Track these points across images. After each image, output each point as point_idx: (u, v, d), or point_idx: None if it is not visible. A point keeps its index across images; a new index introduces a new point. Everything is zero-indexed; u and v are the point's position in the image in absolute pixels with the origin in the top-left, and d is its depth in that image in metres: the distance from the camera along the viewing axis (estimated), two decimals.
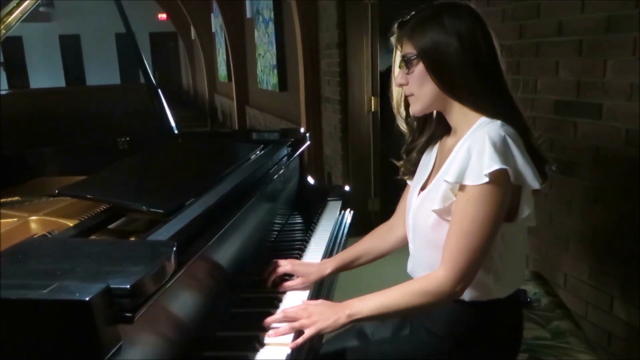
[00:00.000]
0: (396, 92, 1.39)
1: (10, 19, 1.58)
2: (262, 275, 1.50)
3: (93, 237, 1.29)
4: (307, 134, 2.36)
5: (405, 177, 1.47)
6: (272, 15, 6.09)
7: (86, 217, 1.35)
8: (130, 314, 0.82)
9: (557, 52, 2.14)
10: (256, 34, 7.06)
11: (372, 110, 4.18)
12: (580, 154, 2.07)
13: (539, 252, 2.38)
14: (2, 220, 1.44)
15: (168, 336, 1.04)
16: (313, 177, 2.45)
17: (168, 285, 0.95)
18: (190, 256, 1.09)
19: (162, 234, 1.11)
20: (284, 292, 1.46)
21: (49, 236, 1.29)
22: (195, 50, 13.11)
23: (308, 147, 2.37)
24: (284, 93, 6.15)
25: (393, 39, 1.30)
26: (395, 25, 1.28)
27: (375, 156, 4.27)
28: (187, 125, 10.87)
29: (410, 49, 1.23)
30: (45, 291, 0.78)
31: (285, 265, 1.51)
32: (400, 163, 1.46)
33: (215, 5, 9.17)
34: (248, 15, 7.46)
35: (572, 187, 2.13)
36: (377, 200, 4.32)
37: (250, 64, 8.04)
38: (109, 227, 1.39)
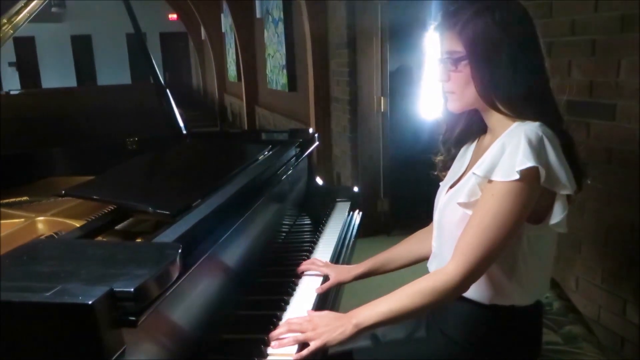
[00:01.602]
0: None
1: (17, 19, 1.58)
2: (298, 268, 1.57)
3: (99, 238, 1.29)
4: (316, 135, 2.35)
5: (442, 174, 1.40)
6: (282, 15, 6.08)
7: (93, 218, 1.34)
8: (134, 318, 0.81)
9: (570, 52, 2.11)
10: (266, 33, 7.06)
11: (382, 110, 4.16)
12: (593, 155, 2.04)
13: None
14: (9, 221, 1.44)
15: (173, 340, 1.02)
16: (322, 177, 2.43)
17: (173, 288, 0.94)
18: (196, 259, 1.08)
19: (168, 235, 1.10)
20: (291, 295, 1.45)
21: (56, 237, 1.28)
22: (205, 51, 13.14)
23: (317, 147, 2.35)
24: (293, 93, 6.14)
25: (435, 29, 1.22)
26: (440, 14, 1.20)
27: (385, 157, 4.25)
28: (197, 125, 10.89)
29: (458, 47, 1.15)
30: (48, 294, 0.77)
31: (321, 266, 1.55)
32: (438, 158, 1.40)
33: (225, 5, 9.18)
34: (258, 15, 7.46)
35: (585, 188, 2.08)
36: (386, 201, 4.30)
37: (259, 64, 8.04)
38: (116, 228, 1.38)
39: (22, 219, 1.44)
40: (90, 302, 0.74)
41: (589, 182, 1.24)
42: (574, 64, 2.10)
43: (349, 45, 4.14)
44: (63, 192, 1.39)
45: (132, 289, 0.80)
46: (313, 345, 1.15)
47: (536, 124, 1.12)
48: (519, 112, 1.15)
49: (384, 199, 4.30)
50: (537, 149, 1.07)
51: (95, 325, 0.75)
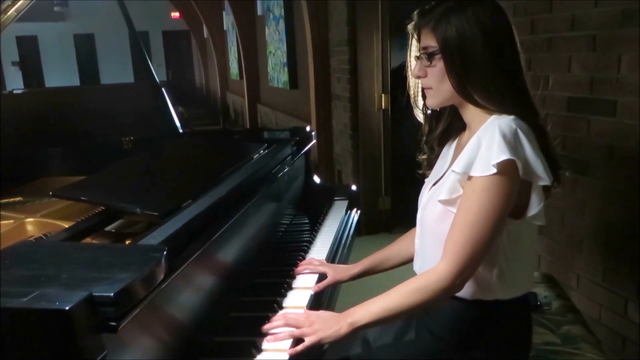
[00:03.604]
0: (413, 82, 1.35)
1: (4, 18, 1.56)
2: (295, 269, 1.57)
3: (89, 239, 1.27)
4: (313, 133, 2.32)
5: (427, 173, 1.42)
6: (283, 13, 6.06)
7: (82, 219, 1.32)
8: (114, 323, 0.79)
9: (570, 48, 2.08)
10: (267, 31, 7.03)
11: (383, 107, 4.13)
12: (593, 152, 2.01)
13: (551, 252, 2.32)
14: None
15: (159, 344, 1.00)
16: (323, 175, 2.41)
17: (157, 292, 0.92)
18: (183, 261, 1.06)
19: (155, 237, 1.08)
20: (285, 296, 1.43)
21: (44, 238, 1.26)
22: (207, 49, 13.13)
23: (317, 145, 2.33)
24: (295, 91, 6.12)
25: (411, 27, 1.26)
26: (416, 13, 1.24)
27: (386, 154, 4.22)
28: (199, 123, 10.88)
29: (432, 42, 1.18)
30: (25, 299, 0.75)
31: (318, 266, 1.56)
32: (423, 157, 1.42)
33: (226, 3, 9.16)
34: (259, 12, 7.43)
35: (586, 186, 2.07)
36: (388, 199, 4.27)
37: (261, 62, 8.01)
38: (107, 229, 1.36)
39: (12, 220, 1.42)
40: (67, 308, 0.72)
41: (567, 174, 1.27)
42: (574, 60, 2.07)
43: (350, 42, 4.12)
44: (50, 193, 1.37)
45: (111, 294, 0.78)
46: (308, 340, 1.16)
47: (510, 117, 1.14)
48: (493, 105, 1.17)
49: (385, 197, 4.28)
50: (512, 142, 1.09)
51: (72, 332, 0.73)
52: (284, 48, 6.16)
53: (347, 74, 4.20)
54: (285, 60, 6.20)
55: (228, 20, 9.82)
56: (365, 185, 4.18)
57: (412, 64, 1.29)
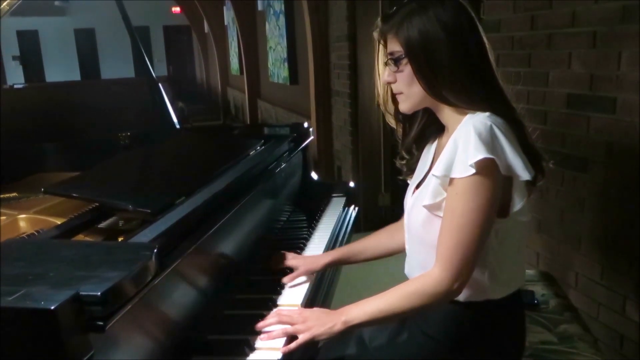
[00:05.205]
0: (382, 89, 1.34)
1: None
2: (269, 264, 1.53)
3: (81, 236, 1.26)
4: (311, 129, 2.31)
5: (408, 178, 1.41)
6: (283, 8, 6.03)
7: (75, 216, 1.31)
8: (101, 323, 0.78)
9: (570, 44, 2.06)
10: (267, 26, 7.01)
11: None
12: (593, 149, 2.00)
13: (549, 250, 2.31)
14: None
15: (149, 343, 0.99)
16: (323, 171, 2.40)
17: (146, 290, 0.91)
18: (175, 259, 1.05)
19: (146, 235, 1.07)
20: (279, 294, 1.42)
21: (35, 235, 1.25)
22: (208, 44, 13.09)
23: (317, 141, 2.32)
24: (295, 86, 6.10)
25: (376, 34, 1.25)
26: (379, 19, 1.24)
27: (386, 150, 4.20)
28: (200, 119, 10.85)
29: (397, 47, 1.19)
30: (10, 298, 0.74)
31: (289, 260, 1.53)
32: (402, 163, 1.41)
33: None
34: (259, 8, 7.41)
35: (585, 183, 2.06)
36: (388, 195, 4.26)
37: (261, 57, 7.99)
38: (99, 226, 1.35)
39: (5, 217, 1.41)
40: (52, 308, 0.71)
41: (551, 165, 1.26)
42: (574, 56, 2.05)
43: (350, 38, 4.10)
44: (43, 189, 1.36)
45: (98, 293, 0.77)
46: (302, 337, 1.16)
47: (485, 114, 1.13)
48: (465, 103, 1.16)
49: (385, 193, 4.26)
50: (488, 140, 1.08)
51: (58, 331, 0.72)
52: (284, 44, 6.14)
53: (347, 69, 4.18)
54: (285, 55, 6.18)
55: (229, 15, 9.79)
56: (365, 182, 4.16)
57: (381, 70, 1.29)
